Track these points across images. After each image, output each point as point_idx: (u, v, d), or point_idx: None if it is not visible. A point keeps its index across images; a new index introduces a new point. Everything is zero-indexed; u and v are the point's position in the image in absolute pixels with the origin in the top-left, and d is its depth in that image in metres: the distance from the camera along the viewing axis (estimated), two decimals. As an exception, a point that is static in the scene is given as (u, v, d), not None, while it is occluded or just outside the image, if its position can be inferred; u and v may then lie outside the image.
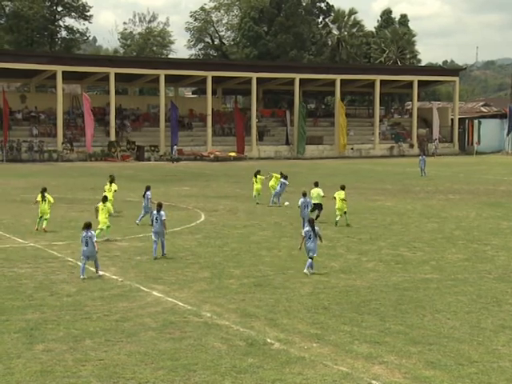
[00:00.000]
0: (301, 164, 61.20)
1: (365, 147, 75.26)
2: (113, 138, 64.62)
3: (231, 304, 14.85)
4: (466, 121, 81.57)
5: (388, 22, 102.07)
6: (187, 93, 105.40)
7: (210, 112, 68.91)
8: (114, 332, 12.80)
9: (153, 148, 65.70)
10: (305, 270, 17.77)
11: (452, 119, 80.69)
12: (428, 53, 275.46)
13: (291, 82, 73.38)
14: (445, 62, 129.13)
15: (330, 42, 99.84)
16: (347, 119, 74.35)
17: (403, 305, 14.89)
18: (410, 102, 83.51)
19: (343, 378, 10.63)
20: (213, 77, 69.12)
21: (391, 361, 11.35)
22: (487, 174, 51.28)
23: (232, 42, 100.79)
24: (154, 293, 15.77)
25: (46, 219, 24.37)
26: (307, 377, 10.63)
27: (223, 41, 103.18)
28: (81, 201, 32.79)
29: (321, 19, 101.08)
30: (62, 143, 63.04)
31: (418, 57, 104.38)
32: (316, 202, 26.10)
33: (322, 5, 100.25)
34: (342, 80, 74.50)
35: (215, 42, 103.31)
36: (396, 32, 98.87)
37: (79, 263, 18.77)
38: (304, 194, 25.15)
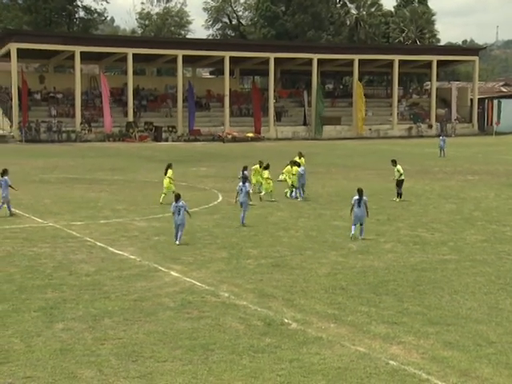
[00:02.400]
0: (319, 145, 61.02)
1: (383, 128, 74.90)
2: (130, 118, 64.72)
3: (249, 284, 14.89)
4: (486, 101, 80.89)
5: (407, 1, 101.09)
6: (205, 73, 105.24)
7: (227, 92, 68.80)
8: (132, 311, 12.89)
9: (170, 129, 65.76)
10: (361, 236, 19.73)
11: (471, 99, 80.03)
12: (447, 32, 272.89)
13: (309, 62, 73.01)
14: (464, 42, 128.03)
15: (348, 22, 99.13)
16: (365, 99, 73.95)
17: (421, 285, 14.87)
18: (429, 82, 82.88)
19: (361, 358, 10.65)
20: (230, 57, 68.93)
21: (409, 341, 11.35)
22: (507, 154, 50.90)
23: (250, 22, 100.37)
24: (172, 273, 15.84)
25: (164, 193, 26.15)
26: (324, 357, 10.66)
27: (241, 21, 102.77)
28: (99, 181, 32.94)
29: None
30: (81, 124, 63.25)
31: (438, 36, 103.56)
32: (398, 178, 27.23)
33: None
34: (360, 60, 74.03)
35: (233, 22, 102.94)
36: (415, 11, 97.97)
37: (98, 243, 18.91)
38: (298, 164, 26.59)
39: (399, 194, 27.21)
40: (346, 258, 17.47)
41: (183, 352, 10.82)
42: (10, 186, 23.19)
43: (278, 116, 72.02)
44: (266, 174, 27.53)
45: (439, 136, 52.64)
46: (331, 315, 12.72)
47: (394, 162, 27.74)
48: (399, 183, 27.31)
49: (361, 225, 19.86)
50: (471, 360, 10.55)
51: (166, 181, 26.49)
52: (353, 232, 19.87)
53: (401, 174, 27.26)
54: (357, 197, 19.83)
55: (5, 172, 23.54)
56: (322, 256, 17.68)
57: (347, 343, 11.25)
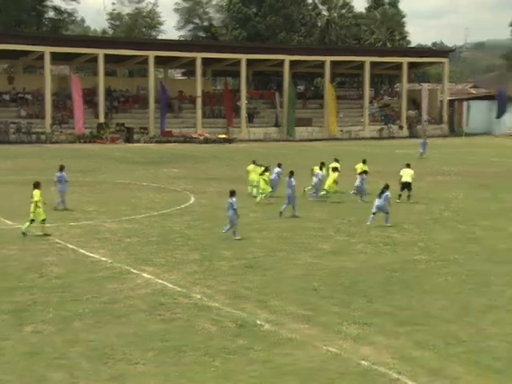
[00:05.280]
0: (290, 146, 61.13)
1: (354, 129, 75.21)
2: (102, 119, 64.30)
3: (221, 286, 14.87)
4: (456, 102, 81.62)
5: (378, 3, 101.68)
6: (177, 74, 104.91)
7: (199, 94, 68.67)
8: (103, 314, 12.81)
9: (142, 130, 65.44)
10: (387, 223, 21.83)
11: (441, 101, 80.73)
12: (419, 34, 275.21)
13: (281, 63, 73.13)
14: (434, 44, 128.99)
15: (319, 24, 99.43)
16: (337, 101, 74.24)
17: (392, 286, 14.97)
18: (400, 84, 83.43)
19: (332, 358, 10.69)
20: (202, 58, 68.82)
21: (379, 341, 11.42)
22: (476, 155, 51.43)
23: (221, 24, 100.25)
24: (144, 274, 15.78)
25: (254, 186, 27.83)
26: (297, 357, 10.69)
27: (212, 22, 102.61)
28: (70, 183, 32.62)
29: (311, 0, 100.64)
30: (51, 125, 62.67)
31: (408, 38, 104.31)
32: (407, 180, 27.31)
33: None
34: (331, 61, 74.31)
35: (204, 24, 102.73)
36: (385, 13, 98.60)
37: (69, 245, 18.79)
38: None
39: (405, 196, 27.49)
40: (319, 259, 17.53)
41: (155, 354, 10.78)
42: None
43: (250, 117, 72.06)
44: (266, 175, 27.23)
45: (420, 139, 53.09)
46: (303, 316, 12.76)
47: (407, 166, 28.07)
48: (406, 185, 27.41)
49: (386, 213, 22.00)
50: (441, 359, 10.65)
51: None
52: (369, 222, 22.14)
53: (400, 177, 27.48)
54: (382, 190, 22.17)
55: (62, 168, 25.42)
56: (295, 257, 17.72)
57: (319, 344, 11.29)
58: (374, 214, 22.19)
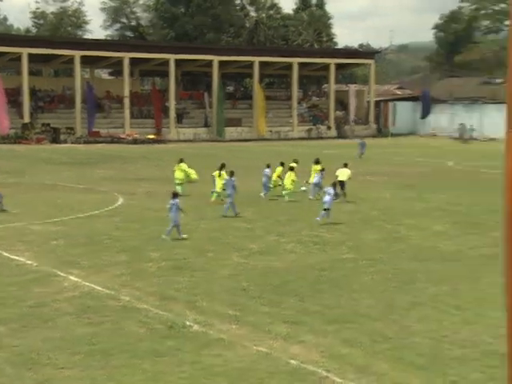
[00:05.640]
0: (220, 146, 61.12)
1: (283, 129, 75.72)
2: (27, 119, 62.95)
3: (150, 287, 14.77)
4: (382, 103, 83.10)
5: (305, 5, 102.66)
6: (104, 74, 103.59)
7: (127, 94, 67.96)
8: (29, 318, 12.55)
9: (69, 130, 64.38)
10: (318, 218, 22.40)
11: (368, 101, 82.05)
12: (346, 36, 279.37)
13: (209, 63, 73.03)
14: (361, 45, 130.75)
15: (247, 24, 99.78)
16: (266, 101, 74.63)
17: (321, 285, 15.13)
18: (328, 85, 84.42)
19: (262, 358, 10.74)
20: (130, 58, 68.14)
21: (309, 340, 11.53)
22: (402, 155, 52.44)
23: (149, 23, 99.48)
24: (71, 277, 15.53)
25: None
26: (226, 358, 10.70)
27: (140, 22, 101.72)
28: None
29: (239, 1, 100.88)
30: (-26, 125, 60.99)
31: (335, 40, 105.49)
32: (342, 179, 27.58)
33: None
34: (260, 62, 74.63)
35: (132, 23, 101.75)
36: (313, 15, 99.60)
37: (-8, 249, 18.35)
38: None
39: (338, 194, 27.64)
40: (248, 259, 17.59)
41: (82, 358, 10.63)
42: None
43: (179, 118, 71.74)
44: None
45: (358, 140, 53.83)
46: (233, 316, 12.78)
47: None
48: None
49: (327, 210, 22.58)
50: (368, 356, 10.83)
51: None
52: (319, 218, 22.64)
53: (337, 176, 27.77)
54: (330, 188, 23.00)
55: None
56: (224, 257, 17.73)
57: (248, 344, 11.33)
58: (325, 210, 22.71)
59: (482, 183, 33.35)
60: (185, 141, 67.18)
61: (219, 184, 26.53)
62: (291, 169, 28.23)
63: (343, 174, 27.91)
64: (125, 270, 16.25)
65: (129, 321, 12.43)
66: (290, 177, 27.93)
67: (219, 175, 26.67)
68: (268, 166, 28.85)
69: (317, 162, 30.18)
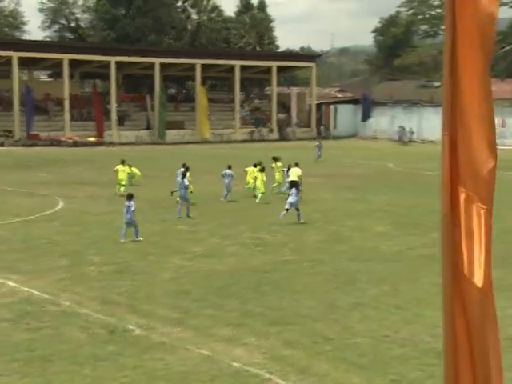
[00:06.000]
0: (162, 149, 60.76)
1: (226, 132, 75.73)
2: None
3: (91, 292, 14.58)
4: (323, 106, 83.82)
5: (247, 8, 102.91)
6: (43, 76, 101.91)
7: (67, 96, 67.01)
8: (-35, 325, 12.25)
9: (7, 133, 63.13)
10: (280, 216, 22.99)
11: (310, 104, 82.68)
12: (287, 39, 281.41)
13: (151, 66, 72.57)
14: (302, 49, 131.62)
15: (189, 27, 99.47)
16: (208, 104, 74.54)
17: (263, 287, 15.16)
18: (270, 87, 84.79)
19: (204, 361, 10.70)
20: (69, 60, 67.21)
21: (251, 342, 11.54)
22: (343, 157, 52.99)
23: (89, 25, 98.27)
24: (9, 283, 15.22)
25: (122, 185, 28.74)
26: (168, 362, 10.63)
27: (79, 23, 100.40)
28: None
29: (180, 3, 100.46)
30: None
31: (277, 43, 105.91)
32: (293, 179, 27.82)
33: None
34: (202, 65, 74.50)
35: (71, 24, 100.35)
36: (254, 17, 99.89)
37: None
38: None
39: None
40: (190, 262, 17.52)
41: (20, 365, 10.42)
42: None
43: (121, 120, 71.09)
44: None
45: (315, 142, 54.19)
46: (175, 320, 12.70)
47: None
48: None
49: (297, 209, 23.13)
50: (310, 357, 10.89)
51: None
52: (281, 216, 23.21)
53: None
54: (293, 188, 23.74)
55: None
56: (166, 260, 17.63)
57: (191, 347, 11.28)
58: (287, 210, 23.12)
59: (421, 185, 33.91)
60: (127, 143, 66.53)
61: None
62: (262, 170, 28.81)
63: (294, 173, 28.34)
64: (65, 275, 16.01)
65: (69, 326, 12.24)
66: (261, 178, 28.62)
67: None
68: (229, 167, 29.06)
69: (276, 160, 31.09)
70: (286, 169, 30.12)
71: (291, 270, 16.85)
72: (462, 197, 3.50)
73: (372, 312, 13.37)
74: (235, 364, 10.57)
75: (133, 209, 19.88)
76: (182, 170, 26.75)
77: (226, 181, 28.56)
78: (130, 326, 12.26)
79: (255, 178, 29.09)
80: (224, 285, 15.31)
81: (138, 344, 11.39)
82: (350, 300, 14.15)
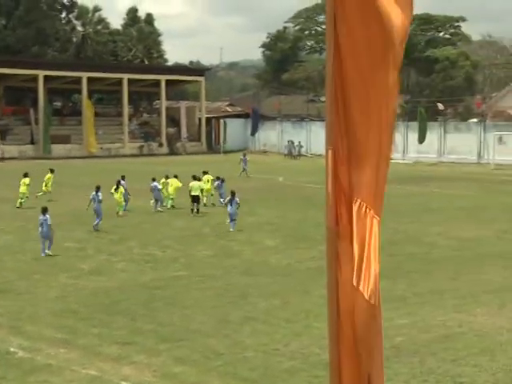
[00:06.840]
0: (48, 164, 59.08)
1: (114, 146, 74.60)
2: None
3: (-29, 314, 13.93)
4: (213, 120, 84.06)
5: (134, 21, 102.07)
6: None
7: None
8: None
9: None
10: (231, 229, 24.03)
11: (200, 118, 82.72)
12: (175, 53, 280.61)
13: (35, 78, 70.69)
14: (191, 63, 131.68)
15: (74, 39, 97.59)
16: (96, 118, 73.27)
17: (153, 303, 14.95)
18: (159, 101, 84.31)
19: (91, 381, 10.41)
20: None
21: (140, 360, 11.32)
22: (233, 171, 53.16)
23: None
24: None
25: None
26: (54, 384, 10.26)
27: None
28: None
29: (64, 15, 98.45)
30: None
31: (166, 56, 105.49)
32: (195, 194, 28.75)
33: (65, 0, 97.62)
34: (88, 78, 73.21)
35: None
36: (142, 31, 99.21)
37: None
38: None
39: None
40: (77, 280, 17.06)
41: None
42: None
43: (3, 134, 68.77)
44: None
45: (241, 155, 54.17)
46: (61, 340, 12.31)
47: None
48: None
49: (234, 220, 24.42)
50: (201, 374, 10.78)
51: None
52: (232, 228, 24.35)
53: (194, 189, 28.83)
54: (229, 198, 24.74)
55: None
56: (52, 279, 17.10)
57: (78, 367, 10.95)
58: (233, 220, 24.53)
59: (310, 198, 34.42)
60: (9, 158, 64.43)
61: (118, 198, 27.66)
62: (175, 176, 30.80)
63: (195, 188, 28.93)
64: None
65: None
66: (175, 184, 30.00)
67: (116, 190, 27.72)
68: (154, 180, 30.16)
69: (206, 172, 32.33)
70: (218, 181, 31.65)
71: (182, 285, 16.69)
72: (356, 206, 3.49)
73: (262, 326, 13.39)
74: (124, 383, 10.32)
75: (49, 222, 19.81)
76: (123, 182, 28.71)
77: (155, 193, 29.62)
78: (13, 349, 11.79)
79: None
80: (112, 302, 14.98)
81: (21, 366, 10.96)
82: (240, 314, 14.14)
